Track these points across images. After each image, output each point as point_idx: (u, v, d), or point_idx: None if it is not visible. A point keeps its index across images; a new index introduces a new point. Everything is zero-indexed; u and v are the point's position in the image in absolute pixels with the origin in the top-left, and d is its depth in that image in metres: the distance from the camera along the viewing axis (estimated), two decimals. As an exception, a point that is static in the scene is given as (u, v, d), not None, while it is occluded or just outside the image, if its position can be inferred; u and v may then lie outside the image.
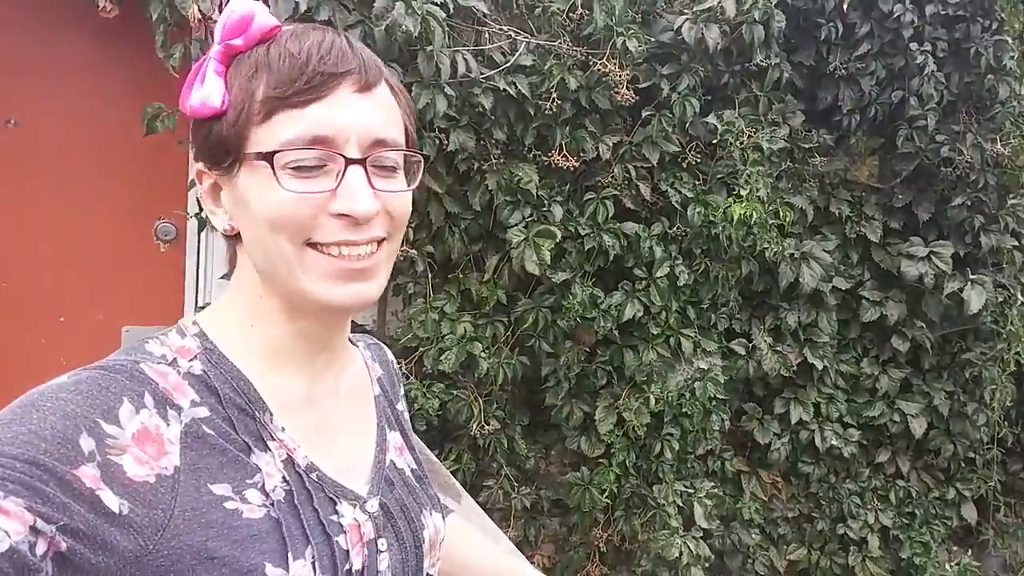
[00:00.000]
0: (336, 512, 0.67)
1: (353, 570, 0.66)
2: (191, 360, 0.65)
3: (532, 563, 2.88)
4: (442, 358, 2.27)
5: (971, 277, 3.18)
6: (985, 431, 3.62)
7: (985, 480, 3.67)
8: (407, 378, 2.34)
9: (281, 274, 0.65)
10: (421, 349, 2.37)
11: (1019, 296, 3.49)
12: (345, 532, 0.67)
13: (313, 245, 0.64)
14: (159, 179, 2.56)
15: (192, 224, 2.56)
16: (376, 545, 0.70)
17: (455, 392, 2.36)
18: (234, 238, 0.69)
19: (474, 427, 2.37)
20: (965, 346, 3.54)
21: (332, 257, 0.64)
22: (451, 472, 2.41)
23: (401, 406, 0.88)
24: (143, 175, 2.58)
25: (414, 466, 0.81)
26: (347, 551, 0.66)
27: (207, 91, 0.63)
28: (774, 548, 3.45)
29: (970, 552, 3.88)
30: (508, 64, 2.34)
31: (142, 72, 2.39)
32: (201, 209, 2.01)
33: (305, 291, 0.65)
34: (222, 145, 0.64)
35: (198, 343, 0.67)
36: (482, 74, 2.29)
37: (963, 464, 3.70)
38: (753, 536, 3.33)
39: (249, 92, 0.62)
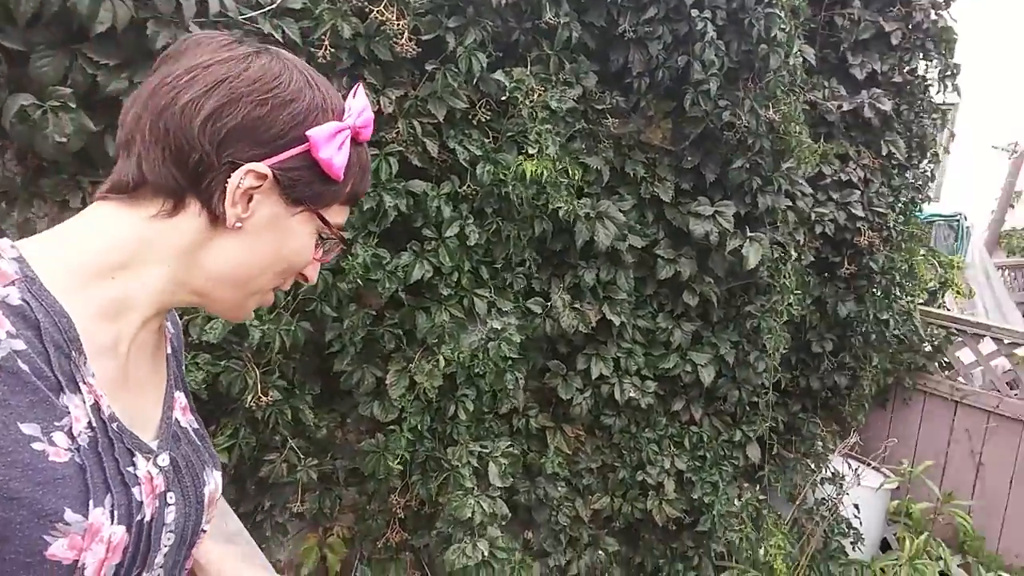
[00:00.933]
0: (133, 464, 0.68)
1: (144, 521, 0.68)
2: (6, 286, 0.62)
3: (331, 534, 2.77)
4: (207, 327, 2.06)
5: (749, 235, 3.38)
6: (766, 376, 3.92)
7: (764, 420, 3.99)
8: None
9: (237, 288, 0.75)
10: (186, 318, 2.14)
11: (792, 252, 3.78)
12: (140, 484, 0.68)
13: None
14: None
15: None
16: (165, 498, 0.72)
17: (224, 363, 2.16)
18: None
19: (250, 399, 2.19)
20: (748, 299, 3.79)
21: (271, 296, 0.80)
22: (227, 448, 2.22)
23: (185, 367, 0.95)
24: None
25: (196, 426, 0.84)
26: (141, 502, 0.68)
27: (342, 162, 0.74)
28: (580, 499, 3.55)
29: (758, 487, 4.22)
30: (274, 5, 2.13)
31: None
32: None
33: (240, 306, 0.77)
34: (315, 196, 0.74)
35: (17, 269, 0.63)
36: (243, 15, 2.06)
37: (748, 408, 3.98)
38: (559, 489, 3.40)
39: (349, 179, 0.76)
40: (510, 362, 2.69)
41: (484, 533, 2.58)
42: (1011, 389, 5.18)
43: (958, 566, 4.86)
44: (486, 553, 2.65)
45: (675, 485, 3.64)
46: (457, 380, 2.59)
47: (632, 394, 3.41)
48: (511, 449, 2.75)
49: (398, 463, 2.46)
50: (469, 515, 2.48)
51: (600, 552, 3.59)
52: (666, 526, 3.69)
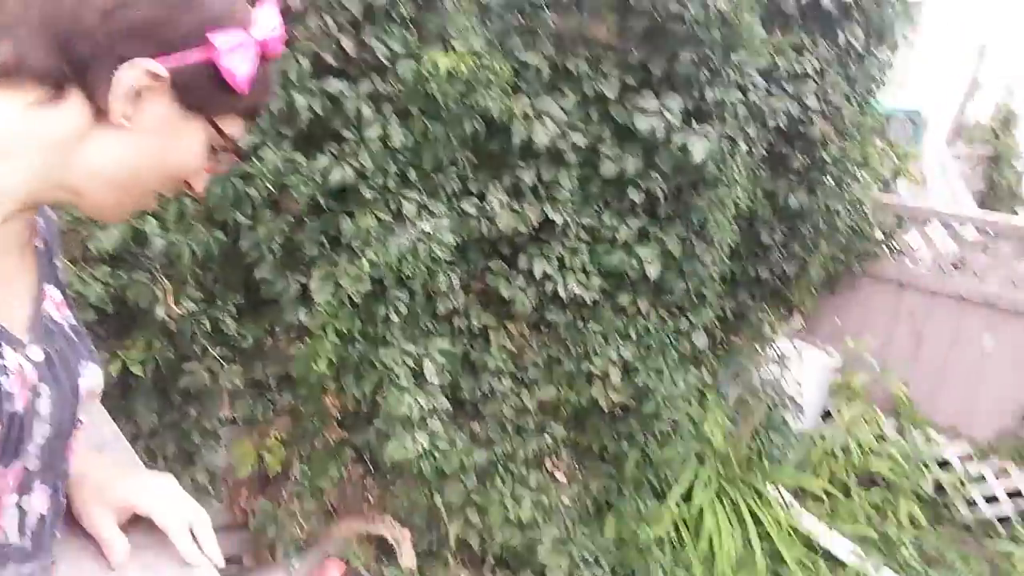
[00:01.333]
0: (1, 355, 0.65)
1: (16, 412, 0.66)
2: None
3: (267, 438, 2.72)
4: (100, 235, 1.88)
5: (695, 128, 3.15)
6: (713, 268, 3.80)
7: (712, 308, 3.91)
8: (73, 264, 1.95)
9: (116, 189, 0.69)
10: (85, 232, 1.96)
11: (742, 145, 3.55)
12: (9, 375, 0.65)
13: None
14: None
15: None
16: (38, 390, 0.69)
17: (125, 274, 1.99)
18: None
19: (161, 312, 2.04)
20: (697, 194, 3.60)
21: (152, 201, 0.75)
22: (141, 361, 2.10)
23: (59, 262, 0.84)
24: None
25: (72, 321, 0.80)
26: (11, 393, 0.65)
27: (244, 73, 0.69)
28: (526, 390, 3.51)
29: (704, 371, 4.22)
30: None
31: None
32: None
33: (118, 208, 0.73)
34: (212, 105, 0.70)
35: None
36: None
37: (695, 299, 3.89)
38: (504, 382, 3.34)
39: (253, 95, 0.71)
40: (443, 263, 2.54)
41: (424, 427, 2.53)
42: (956, 270, 5.12)
43: (893, 429, 4.99)
44: (426, 445, 2.61)
45: (621, 373, 3.59)
46: (385, 284, 2.44)
47: (577, 291, 3.29)
48: (448, 348, 2.65)
49: (326, 367, 2.36)
50: (406, 411, 2.41)
51: (547, 436, 3.59)
52: (612, 411, 3.68)
